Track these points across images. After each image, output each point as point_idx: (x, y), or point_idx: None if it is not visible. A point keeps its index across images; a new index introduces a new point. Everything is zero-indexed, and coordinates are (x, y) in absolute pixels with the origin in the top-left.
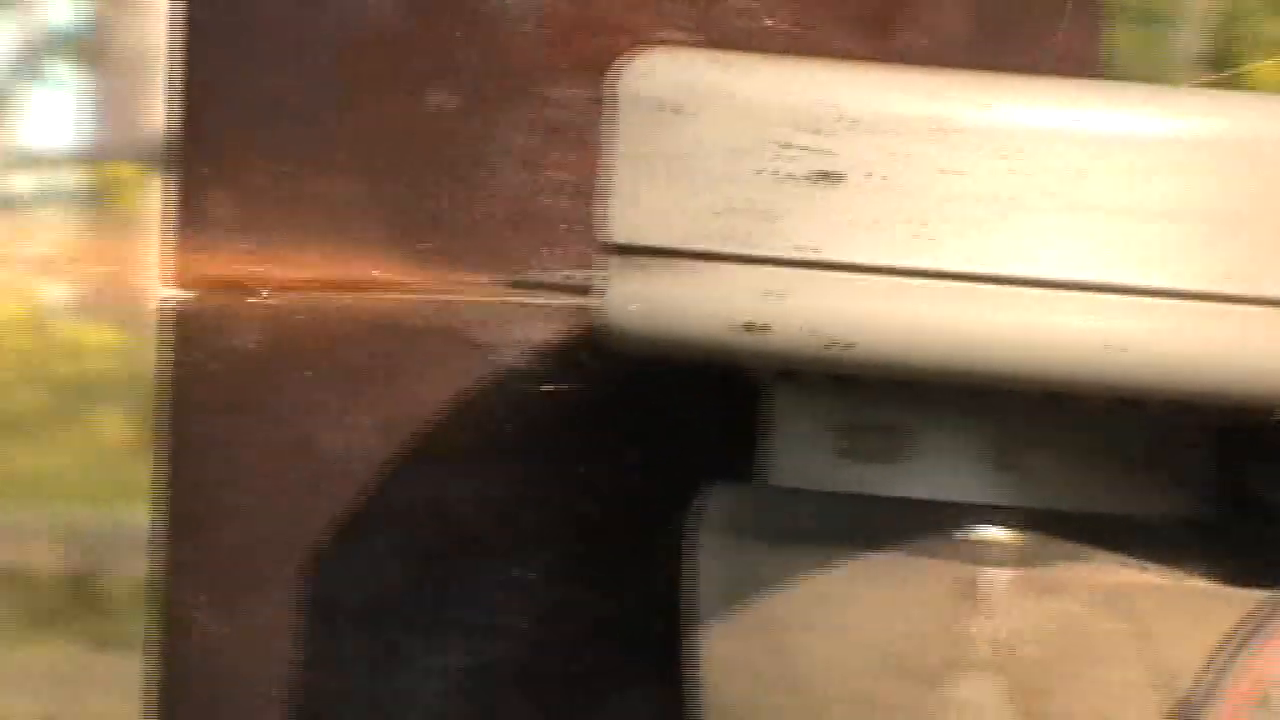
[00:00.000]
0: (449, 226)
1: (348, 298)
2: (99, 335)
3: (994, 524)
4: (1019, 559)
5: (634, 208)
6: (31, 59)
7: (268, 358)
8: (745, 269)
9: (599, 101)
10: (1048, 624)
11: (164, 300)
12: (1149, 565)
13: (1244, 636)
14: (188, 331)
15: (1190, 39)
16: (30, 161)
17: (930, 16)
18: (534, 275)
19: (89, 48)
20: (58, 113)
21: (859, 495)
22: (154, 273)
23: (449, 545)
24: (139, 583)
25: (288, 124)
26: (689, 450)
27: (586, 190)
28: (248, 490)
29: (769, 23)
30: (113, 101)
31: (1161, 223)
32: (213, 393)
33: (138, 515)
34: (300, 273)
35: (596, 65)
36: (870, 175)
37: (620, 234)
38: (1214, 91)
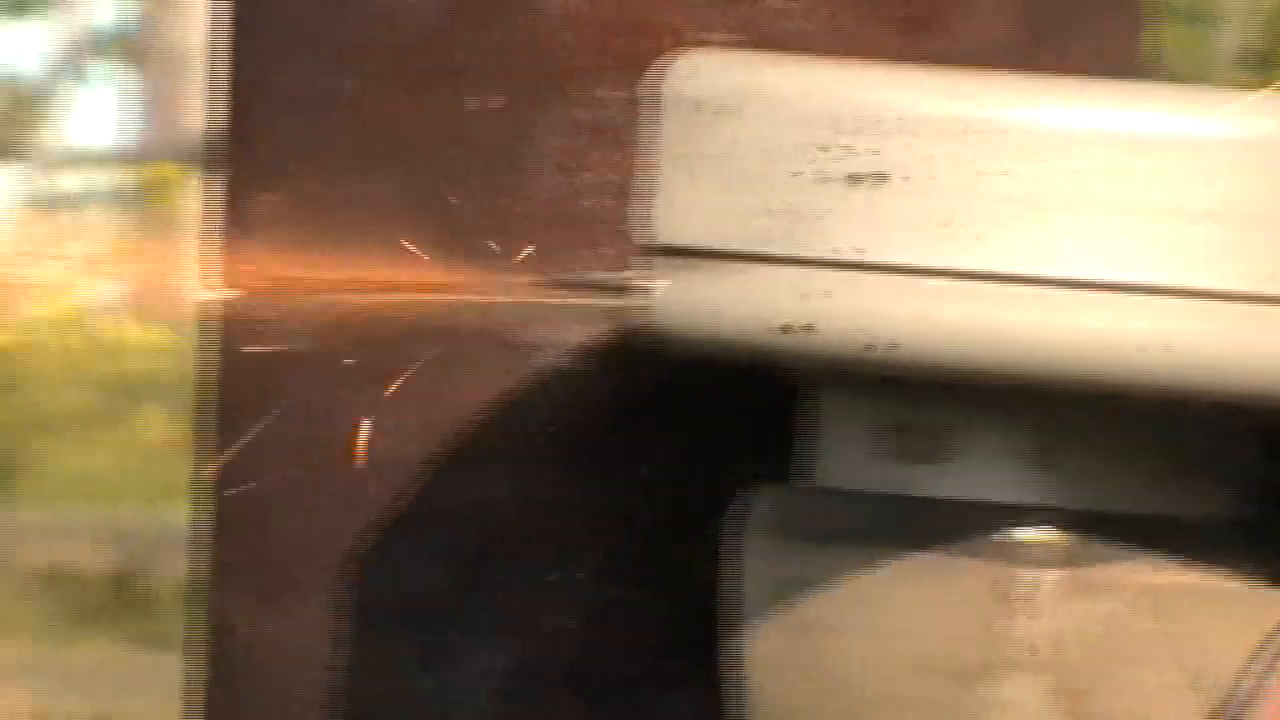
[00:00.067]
0: (490, 227)
1: (391, 299)
2: (142, 335)
3: (1036, 525)
4: (1061, 560)
5: (676, 209)
6: (75, 59)
7: (309, 358)
8: (787, 270)
9: (638, 102)
10: (1089, 625)
11: (205, 300)
12: (1191, 566)
13: None
14: (229, 332)
15: (1235, 37)
16: (74, 161)
17: (972, 17)
18: (574, 276)
19: (132, 47)
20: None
21: (901, 496)
22: (195, 273)
23: (493, 546)
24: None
25: (330, 125)
26: (731, 451)
27: (626, 191)
28: (290, 491)
29: (810, 24)
30: (156, 101)
31: (1206, 223)
32: (254, 393)
33: (181, 515)
34: (342, 274)
35: (636, 66)
36: (912, 176)
37: (663, 235)
38: (1259, 92)
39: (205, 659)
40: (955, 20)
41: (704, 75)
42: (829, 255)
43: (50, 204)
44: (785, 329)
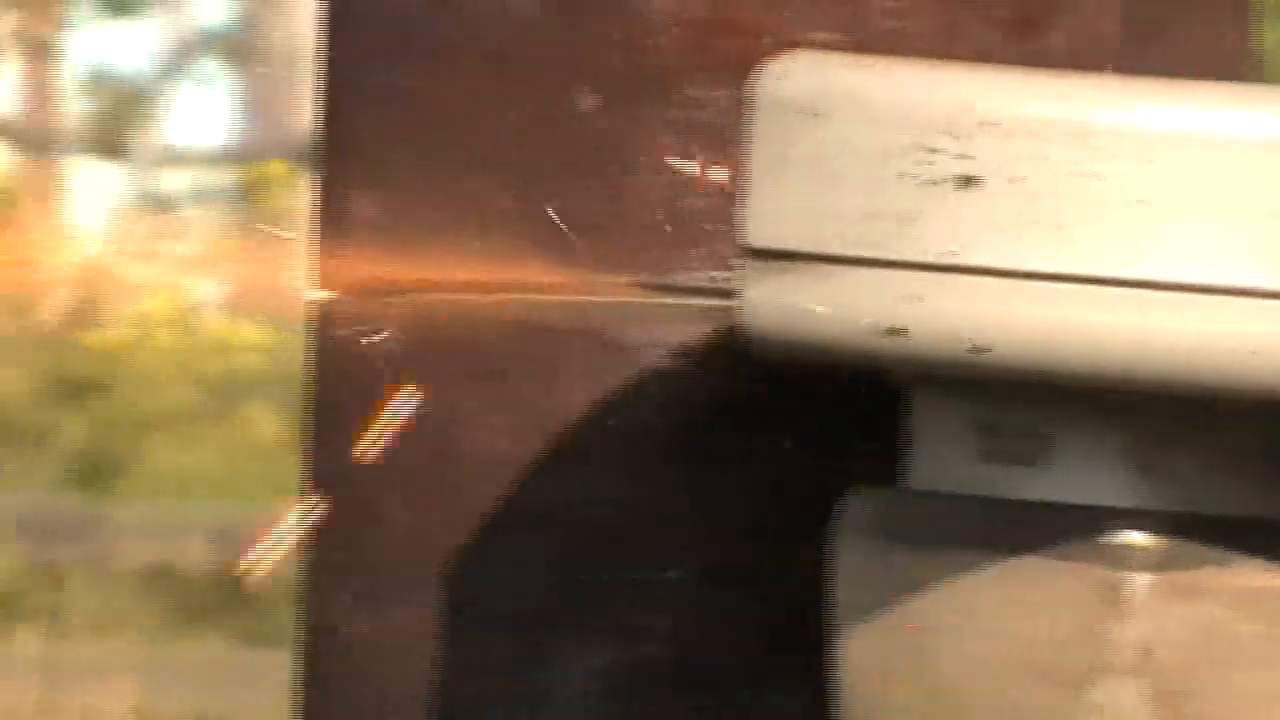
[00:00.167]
0: (591, 227)
1: (490, 299)
2: (248, 333)
3: (1135, 528)
4: (1160, 563)
5: (771, 212)
6: (182, 58)
7: (410, 358)
8: (883, 273)
9: (741, 102)
10: (1189, 628)
11: (311, 300)
12: None
13: None
14: (332, 332)
15: None
16: (180, 160)
17: (1078, 17)
18: (677, 277)
19: (238, 46)
20: (208, 111)
21: (999, 499)
22: (302, 272)
23: (593, 547)
24: (289, 580)
25: (431, 124)
26: (836, 453)
27: (733, 191)
28: (391, 491)
29: (914, 24)
30: (262, 100)
31: None
32: (356, 393)
33: (287, 513)
34: (442, 273)
35: (738, 67)
36: (1009, 179)
37: (754, 237)
38: None
39: (303, 658)
40: (1059, 20)
41: (796, 78)
42: (921, 258)
43: (156, 203)
44: (877, 332)
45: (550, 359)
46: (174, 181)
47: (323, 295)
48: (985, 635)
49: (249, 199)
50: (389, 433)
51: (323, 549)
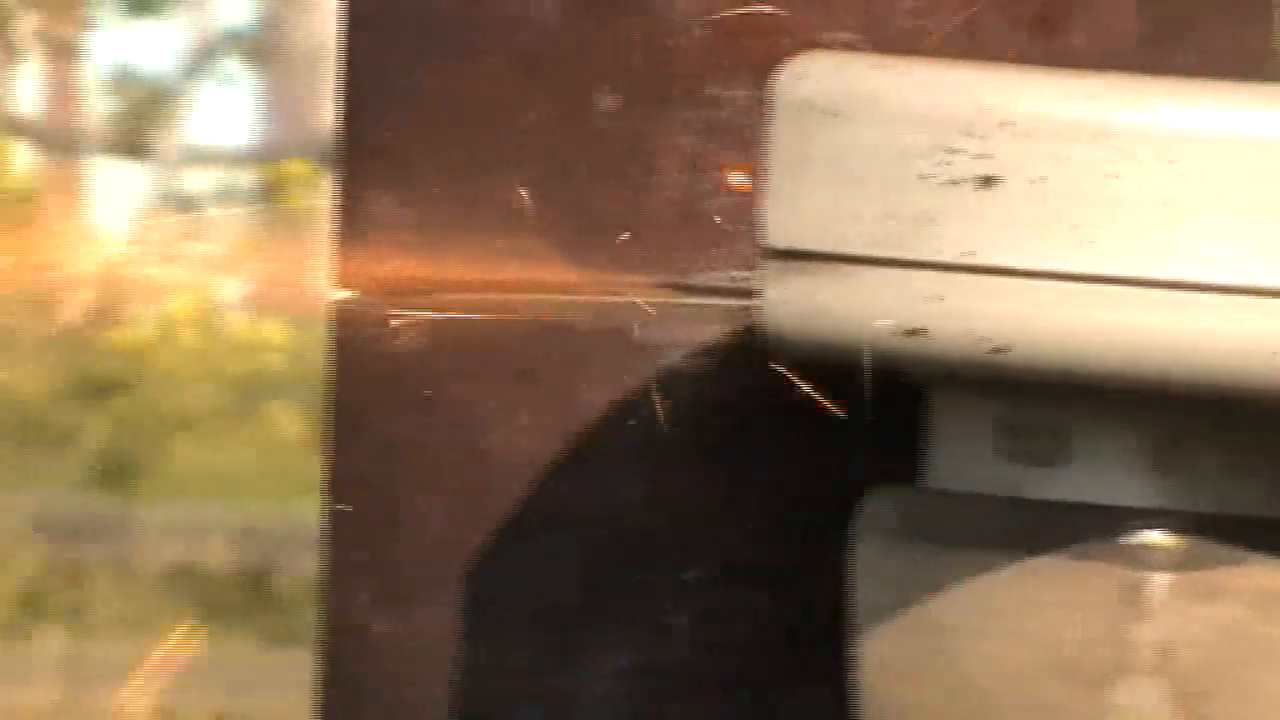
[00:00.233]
0: (614, 228)
1: (513, 299)
2: (271, 332)
3: (1155, 528)
4: (1181, 563)
5: (790, 212)
6: (204, 58)
7: (433, 358)
8: (903, 273)
9: (760, 102)
10: (1210, 628)
11: (331, 298)
12: None
13: None
14: (352, 332)
15: None
16: (203, 160)
17: (1100, 17)
18: (698, 277)
19: (261, 46)
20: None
21: (1019, 498)
22: (323, 272)
23: (617, 547)
24: (312, 580)
25: (453, 124)
26: (856, 453)
27: (749, 191)
28: (413, 491)
29: (935, 24)
30: (284, 99)
31: None
32: (378, 393)
33: (312, 512)
34: (465, 274)
35: (758, 67)
36: (1029, 179)
37: (773, 237)
38: None
39: (325, 658)
40: (1078, 19)
41: (815, 78)
42: (940, 258)
43: (178, 203)
44: (897, 332)
45: (572, 359)
46: (197, 181)
47: (344, 295)
48: (1005, 635)
49: (272, 199)
50: (408, 432)
51: (344, 549)
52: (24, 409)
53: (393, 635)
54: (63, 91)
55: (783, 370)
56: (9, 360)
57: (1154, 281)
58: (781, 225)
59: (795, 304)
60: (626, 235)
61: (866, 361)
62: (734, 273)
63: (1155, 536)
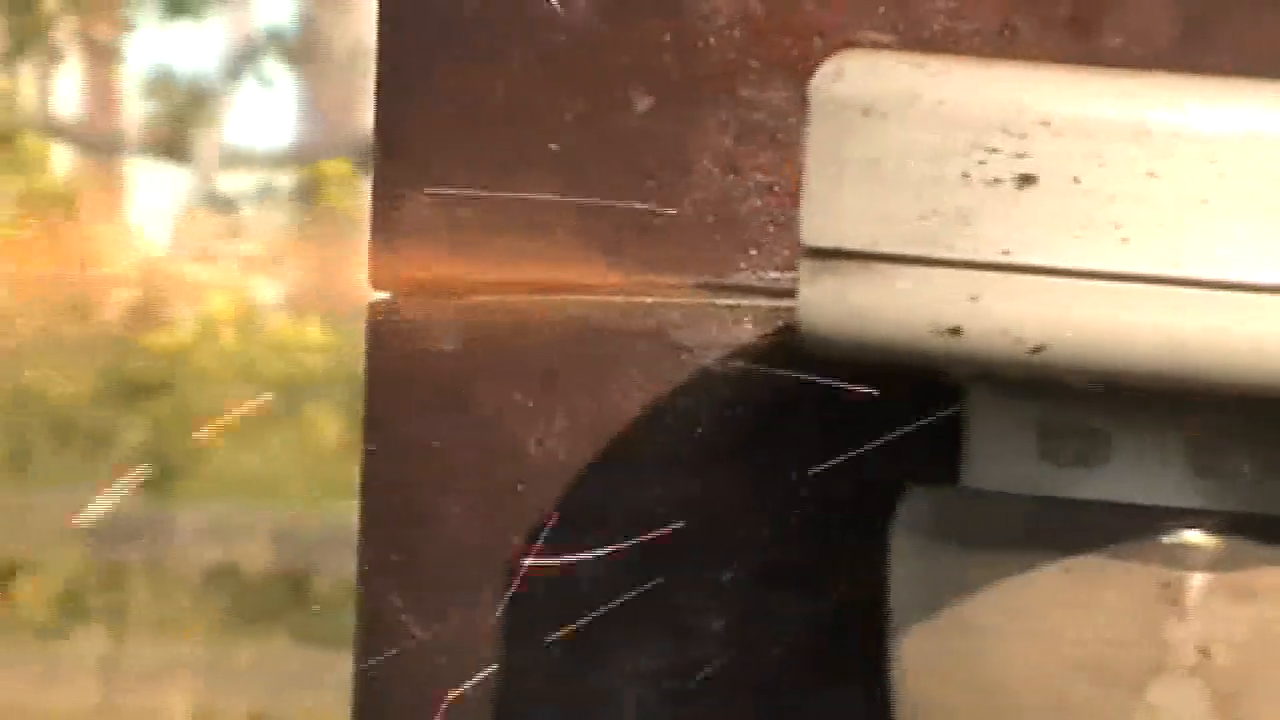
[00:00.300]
0: (648, 228)
1: (546, 299)
2: (310, 333)
3: (1193, 527)
4: (1218, 563)
5: (827, 211)
6: (243, 59)
7: (466, 359)
8: (934, 272)
9: (797, 102)
10: (1247, 628)
11: (369, 299)
12: None
13: None
14: (387, 333)
15: None
16: (242, 161)
17: (1135, 17)
18: (731, 277)
19: (299, 46)
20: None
21: (1056, 498)
22: (362, 272)
23: (649, 548)
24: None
25: (486, 124)
26: (892, 453)
27: (788, 191)
28: (447, 492)
29: (970, 24)
30: (323, 100)
31: None
32: (412, 394)
33: (349, 513)
34: (498, 274)
35: (791, 67)
36: (1067, 178)
37: (810, 236)
38: None
39: (359, 659)
40: (1120, 20)
41: (853, 78)
42: (978, 257)
43: (217, 204)
44: (934, 331)
45: (605, 360)
46: (236, 182)
47: (379, 296)
48: (1042, 635)
49: (311, 199)
50: (443, 434)
51: (378, 550)
52: (63, 410)
53: (424, 636)
54: (102, 93)
55: (819, 370)
56: (49, 361)
57: (1193, 281)
58: (819, 224)
59: (832, 303)
60: (659, 236)
61: (903, 361)
62: (767, 273)
63: (1192, 536)
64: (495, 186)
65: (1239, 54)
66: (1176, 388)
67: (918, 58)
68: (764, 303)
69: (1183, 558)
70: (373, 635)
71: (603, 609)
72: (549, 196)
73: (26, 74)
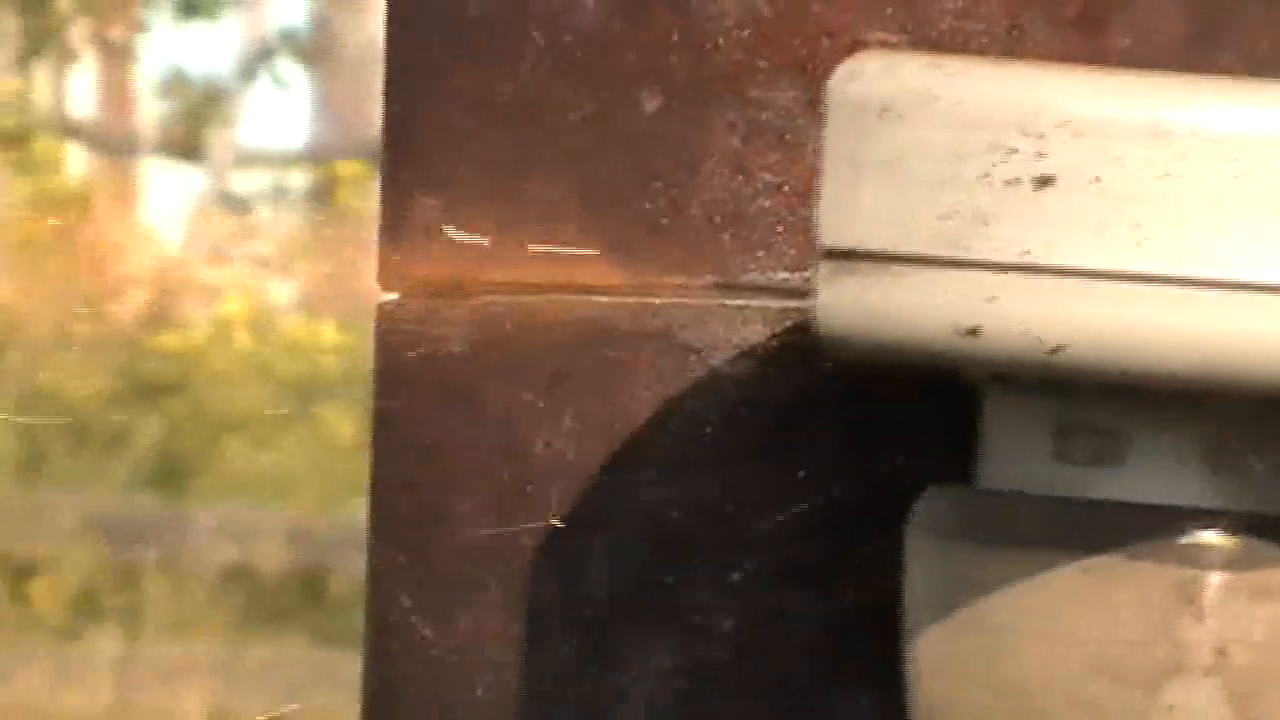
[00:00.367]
0: (658, 228)
1: (556, 299)
2: (323, 333)
3: (1210, 528)
4: (1235, 563)
5: (845, 212)
6: (257, 59)
7: (475, 360)
8: (958, 273)
9: (806, 102)
10: (1264, 627)
11: (381, 300)
12: None
13: None
14: (396, 333)
15: None
16: (256, 161)
17: (1143, 16)
18: (741, 278)
19: (313, 47)
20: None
21: (1073, 499)
22: (374, 272)
23: (659, 548)
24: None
25: (496, 124)
26: (908, 453)
27: (796, 191)
28: (457, 492)
29: (978, 24)
30: (337, 100)
31: None
32: (421, 395)
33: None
34: (508, 274)
35: (801, 67)
36: (1086, 179)
37: (827, 237)
38: None
39: (369, 659)
40: (1131, 20)
41: (869, 78)
42: (996, 258)
43: (232, 204)
44: (952, 332)
45: (614, 360)
46: (250, 183)
47: (389, 297)
48: (1058, 635)
49: (325, 200)
50: (454, 435)
51: (388, 551)
52: (78, 410)
53: (434, 637)
54: (117, 94)
55: (836, 370)
56: (63, 362)
57: (1211, 281)
58: (836, 225)
59: (850, 304)
60: (667, 236)
61: (921, 361)
62: (776, 274)
63: (1209, 536)
64: (504, 186)
65: (1247, 53)
66: (1194, 388)
67: (937, 58)
68: (773, 303)
69: (1199, 558)
70: (382, 635)
71: (613, 609)
72: (560, 196)
73: (41, 75)
